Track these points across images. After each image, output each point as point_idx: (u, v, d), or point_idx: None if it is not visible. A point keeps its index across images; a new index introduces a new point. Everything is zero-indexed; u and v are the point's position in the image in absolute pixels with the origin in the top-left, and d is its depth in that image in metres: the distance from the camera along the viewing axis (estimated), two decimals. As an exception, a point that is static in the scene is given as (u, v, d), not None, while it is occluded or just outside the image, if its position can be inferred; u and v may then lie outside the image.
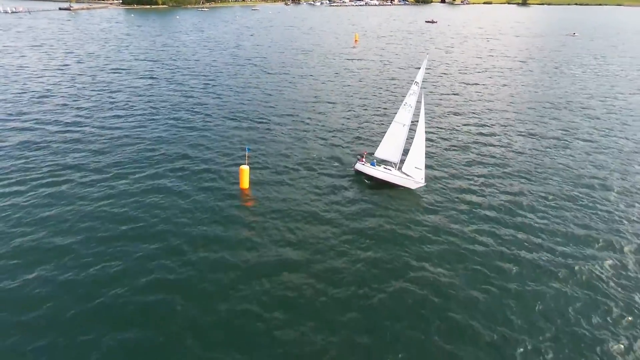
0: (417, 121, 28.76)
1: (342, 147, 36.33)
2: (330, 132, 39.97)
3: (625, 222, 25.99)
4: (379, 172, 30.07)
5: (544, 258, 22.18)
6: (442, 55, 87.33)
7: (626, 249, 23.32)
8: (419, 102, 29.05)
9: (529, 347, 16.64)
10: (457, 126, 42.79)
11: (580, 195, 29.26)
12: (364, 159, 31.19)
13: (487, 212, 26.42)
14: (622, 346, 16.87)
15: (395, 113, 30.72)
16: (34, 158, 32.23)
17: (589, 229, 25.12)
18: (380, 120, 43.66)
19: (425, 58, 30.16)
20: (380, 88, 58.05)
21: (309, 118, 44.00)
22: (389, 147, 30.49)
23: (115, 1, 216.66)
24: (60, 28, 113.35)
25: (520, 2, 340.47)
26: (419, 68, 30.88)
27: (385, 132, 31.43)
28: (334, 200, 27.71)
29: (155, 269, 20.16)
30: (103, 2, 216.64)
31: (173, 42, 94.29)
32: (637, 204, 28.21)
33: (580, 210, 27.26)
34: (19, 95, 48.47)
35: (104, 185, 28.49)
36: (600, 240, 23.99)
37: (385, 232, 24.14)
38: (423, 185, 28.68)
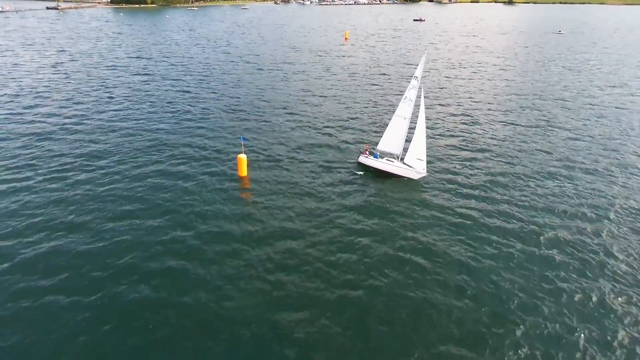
0: (416, 115, 30.51)
1: (335, 137, 38.20)
2: (322, 123, 41.83)
3: (591, 196, 28.46)
4: (382, 164, 31.19)
5: (531, 227, 24.48)
6: (429, 51, 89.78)
7: (588, 216, 25.79)
8: (418, 96, 30.21)
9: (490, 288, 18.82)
10: (443, 117, 44.97)
11: (556, 174, 31.65)
12: (367, 152, 32.37)
13: (480, 192, 28.65)
14: (569, 287, 19.14)
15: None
16: (43, 148, 33.61)
17: (560, 199, 27.56)
18: (370, 112, 45.63)
19: (424, 54, 31.31)
20: (370, 83, 60.07)
21: (302, 110, 45.86)
22: (391, 140, 31.55)
23: (103, 0, 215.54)
24: (50, 27, 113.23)
25: (506, 0, 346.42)
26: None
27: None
28: (327, 182, 29.63)
29: (164, 241, 21.94)
30: (91, 1, 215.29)
31: (165, 41, 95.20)
32: (603, 181, 30.72)
33: (556, 186, 29.66)
34: (17, 91, 49.45)
35: (111, 171, 30.05)
36: (569, 210, 26.41)
37: (386, 211, 26.15)
38: (425, 175, 29.96)
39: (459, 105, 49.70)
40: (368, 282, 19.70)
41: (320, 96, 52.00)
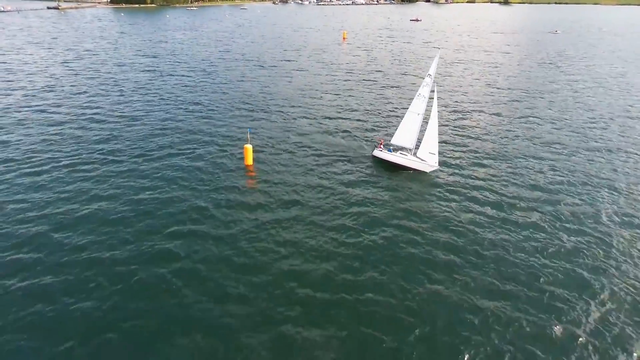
0: (428, 111, 31.63)
1: (336, 129, 40.67)
2: (323, 116, 44.31)
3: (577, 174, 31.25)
4: (396, 158, 32.55)
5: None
6: (425, 50, 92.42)
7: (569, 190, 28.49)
8: (432, 91, 31.25)
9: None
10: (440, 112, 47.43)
11: (543, 159, 34.20)
12: (381, 146, 33.80)
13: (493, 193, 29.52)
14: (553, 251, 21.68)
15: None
16: (55, 141, 36.01)
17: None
18: (368, 106, 48.14)
19: (437, 53, 32.79)
20: (367, 79, 62.57)
21: (303, 104, 48.42)
22: (404, 135, 32.73)
23: (103, 0, 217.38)
24: (55, 27, 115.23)
25: (502, 1, 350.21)
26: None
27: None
28: (330, 170, 32.11)
29: (178, 221, 24.29)
30: (91, 1, 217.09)
31: (168, 40, 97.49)
32: (586, 162, 33.46)
33: (557, 174, 32.14)
34: (29, 87, 51.76)
35: (126, 161, 32.47)
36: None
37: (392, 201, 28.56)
38: (436, 168, 31.32)
39: (457, 101, 52.30)
40: (379, 269, 21.14)
41: (320, 91, 54.50)
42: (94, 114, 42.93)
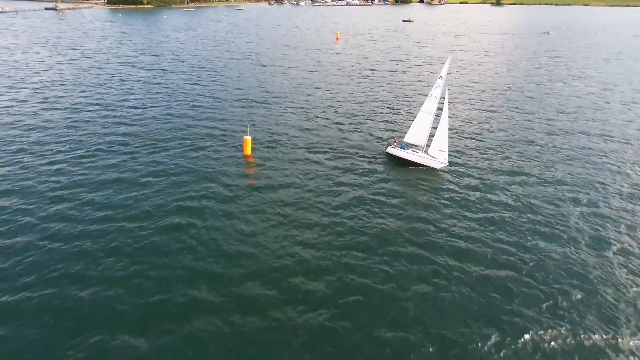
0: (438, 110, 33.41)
1: (331, 122, 44.23)
2: (317, 111, 47.89)
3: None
4: (408, 154, 34.29)
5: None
6: (415, 50, 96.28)
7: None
8: (442, 94, 32.90)
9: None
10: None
11: (559, 161, 36.14)
12: (394, 143, 35.69)
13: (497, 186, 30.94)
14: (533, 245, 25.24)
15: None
16: (77, 129, 39.47)
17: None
18: (361, 102, 51.85)
19: (449, 56, 34.54)
20: (360, 76, 66.36)
21: (299, 99, 52.07)
22: (416, 133, 34.47)
23: (100, 1, 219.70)
24: (56, 27, 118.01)
25: (494, 2, 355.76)
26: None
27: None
28: (324, 160, 35.62)
29: (179, 200, 27.59)
30: (88, 2, 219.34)
31: (168, 39, 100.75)
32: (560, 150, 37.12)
33: (560, 171, 34.51)
34: (40, 83, 55.00)
35: (132, 152, 35.87)
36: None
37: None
38: (446, 164, 32.78)
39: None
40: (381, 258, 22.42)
41: (315, 88, 58.15)
42: (103, 109, 46.25)
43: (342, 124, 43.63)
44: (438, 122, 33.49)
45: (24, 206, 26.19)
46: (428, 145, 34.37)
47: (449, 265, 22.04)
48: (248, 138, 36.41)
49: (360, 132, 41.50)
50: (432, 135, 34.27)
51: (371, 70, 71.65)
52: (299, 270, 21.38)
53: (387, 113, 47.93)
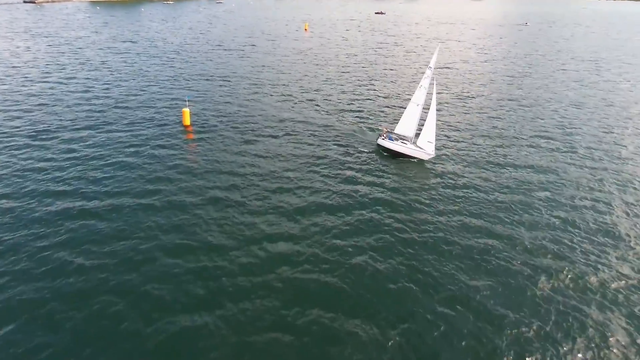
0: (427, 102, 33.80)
1: (279, 101, 48.71)
2: (263, 86, 52.51)
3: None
4: (396, 146, 34.18)
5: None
6: (382, 39, 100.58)
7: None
8: (431, 84, 32.75)
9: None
10: (367, 97, 55.54)
11: (536, 146, 37.50)
12: (384, 135, 35.65)
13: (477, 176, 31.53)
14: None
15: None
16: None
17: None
18: (319, 84, 56.47)
19: (437, 47, 35.87)
20: (324, 62, 71.43)
21: (257, 78, 57.63)
22: (406, 124, 34.45)
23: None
24: (40, 19, 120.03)
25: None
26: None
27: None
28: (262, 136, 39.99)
29: (124, 155, 31.99)
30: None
31: (149, 30, 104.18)
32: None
33: (542, 158, 35.44)
34: (30, 75, 58.66)
35: (99, 135, 40.04)
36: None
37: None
38: (433, 155, 32.83)
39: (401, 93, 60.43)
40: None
41: (278, 71, 62.98)
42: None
43: (294, 98, 48.54)
44: (427, 113, 33.21)
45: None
46: (417, 135, 34.27)
47: (429, 259, 21.76)
48: (187, 110, 40.58)
49: (307, 108, 45.99)
50: (421, 126, 34.20)
51: (338, 57, 76.26)
52: (242, 245, 22.26)
53: (329, 92, 52.44)
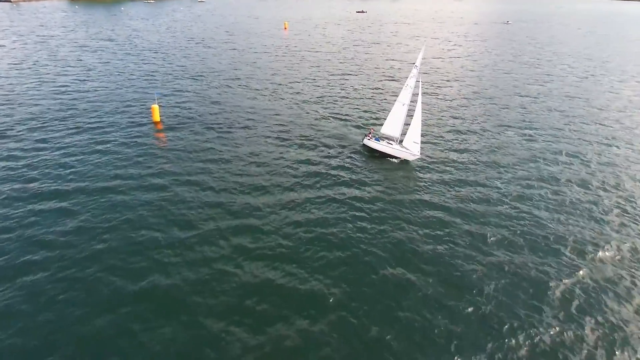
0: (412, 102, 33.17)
1: (240, 89, 49.58)
2: (237, 81, 53.33)
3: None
4: (382, 146, 34.12)
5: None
6: (362, 37, 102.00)
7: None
8: (417, 82, 32.18)
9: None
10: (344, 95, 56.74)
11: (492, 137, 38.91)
12: (370, 135, 35.34)
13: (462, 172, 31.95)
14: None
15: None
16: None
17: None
18: (299, 81, 57.46)
19: (423, 45, 35.76)
20: (300, 59, 72.29)
21: (227, 75, 58.15)
22: (392, 124, 34.22)
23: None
24: (16, 18, 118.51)
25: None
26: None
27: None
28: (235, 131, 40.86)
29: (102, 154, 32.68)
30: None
31: (127, 29, 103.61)
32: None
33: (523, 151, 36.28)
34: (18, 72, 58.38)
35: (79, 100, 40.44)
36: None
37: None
38: (418, 156, 32.53)
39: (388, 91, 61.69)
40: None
41: (250, 65, 64.87)
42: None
43: (263, 92, 49.55)
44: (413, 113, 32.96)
45: None
46: (403, 135, 34.10)
47: (417, 260, 21.90)
48: (156, 106, 41.25)
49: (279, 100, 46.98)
50: (407, 124, 33.86)
51: (317, 53, 77.59)
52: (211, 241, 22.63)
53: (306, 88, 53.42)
